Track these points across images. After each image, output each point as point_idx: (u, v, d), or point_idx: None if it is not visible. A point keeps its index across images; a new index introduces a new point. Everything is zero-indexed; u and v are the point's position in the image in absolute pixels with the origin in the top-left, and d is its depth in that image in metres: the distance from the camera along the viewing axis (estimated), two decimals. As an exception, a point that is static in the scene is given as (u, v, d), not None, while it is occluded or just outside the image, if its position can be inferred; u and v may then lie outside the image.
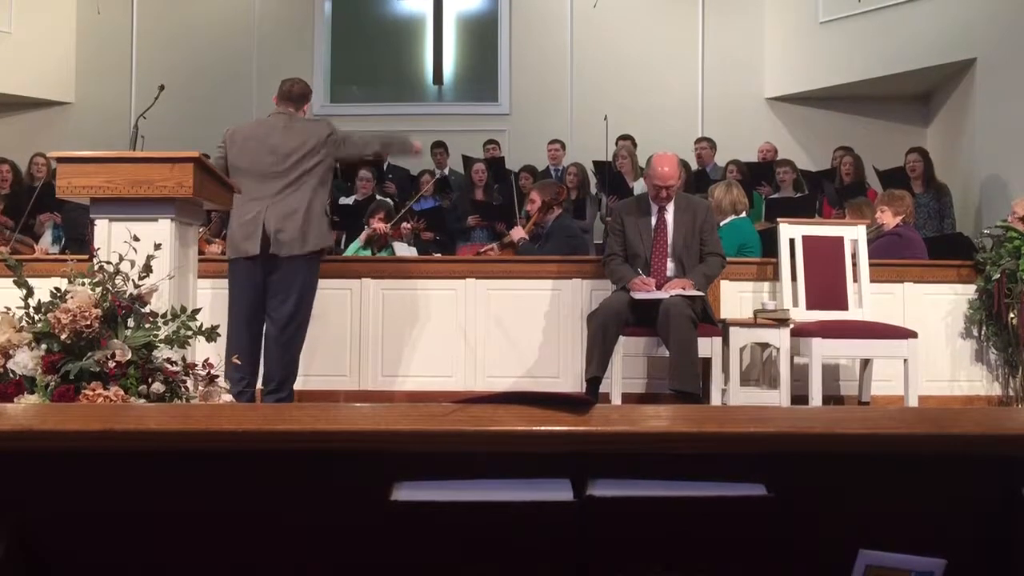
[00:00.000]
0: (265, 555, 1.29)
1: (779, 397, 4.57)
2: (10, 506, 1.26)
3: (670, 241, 4.59)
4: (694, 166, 7.39)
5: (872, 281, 4.94)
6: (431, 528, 1.23)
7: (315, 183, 4.27)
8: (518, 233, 5.76)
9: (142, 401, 2.55)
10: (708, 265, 4.57)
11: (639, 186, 6.84)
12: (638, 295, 4.39)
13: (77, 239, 6.13)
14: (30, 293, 2.69)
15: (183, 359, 2.77)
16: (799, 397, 4.63)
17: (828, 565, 1.25)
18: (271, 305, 4.21)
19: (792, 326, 4.58)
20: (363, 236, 5.94)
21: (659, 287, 4.46)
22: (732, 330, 4.58)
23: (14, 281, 2.70)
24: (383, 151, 4.68)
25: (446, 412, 1.29)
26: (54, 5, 9.14)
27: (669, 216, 4.62)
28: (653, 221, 4.63)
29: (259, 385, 4.30)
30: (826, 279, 4.90)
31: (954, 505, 1.27)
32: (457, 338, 5.14)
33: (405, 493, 1.22)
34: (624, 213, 4.72)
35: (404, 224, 6.33)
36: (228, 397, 2.79)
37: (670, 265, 4.58)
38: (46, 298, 2.67)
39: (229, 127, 4.41)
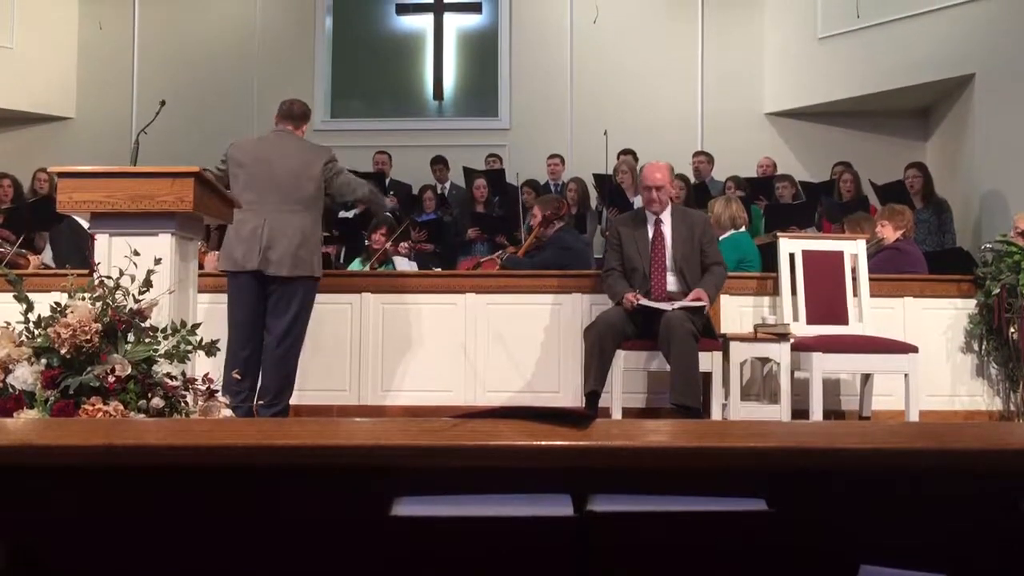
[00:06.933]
0: (264, 570, 1.28)
1: (780, 412, 4.56)
2: (10, 521, 1.25)
3: (668, 253, 4.60)
4: (692, 180, 7.40)
5: (872, 296, 4.94)
6: (431, 544, 1.23)
7: (312, 206, 4.34)
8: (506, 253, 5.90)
9: (142, 416, 2.54)
10: (714, 275, 4.59)
11: (640, 201, 6.84)
12: (644, 303, 4.38)
13: (73, 253, 6.08)
14: (30, 308, 2.69)
15: (183, 374, 2.77)
16: (799, 412, 4.63)
17: (829, 581, 1.25)
18: (270, 320, 4.26)
19: (792, 341, 4.58)
20: (371, 258, 5.94)
21: (659, 300, 4.45)
22: (732, 345, 4.58)
23: (14, 296, 2.70)
24: (366, 199, 4.79)
25: (446, 427, 1.29)
26: (56, 21, 9.19)
27: (666, 228, 4.62)
28: (650, 232, 4.63)
29: (256, 400, 4.31)
30: (826, 294, 4.90)
31: (955, 520, 1.27)
32: (457, 353, 5.13)
33: (405, 508, 1.21)
34: (621, 226, 4.73)
35: (402, 244, 6.34)
36: (227, 412, 2.79)
37: (670, 278, 4.58)
38: (46, 313, 2.67)
39: (233, 140, 4.46)
